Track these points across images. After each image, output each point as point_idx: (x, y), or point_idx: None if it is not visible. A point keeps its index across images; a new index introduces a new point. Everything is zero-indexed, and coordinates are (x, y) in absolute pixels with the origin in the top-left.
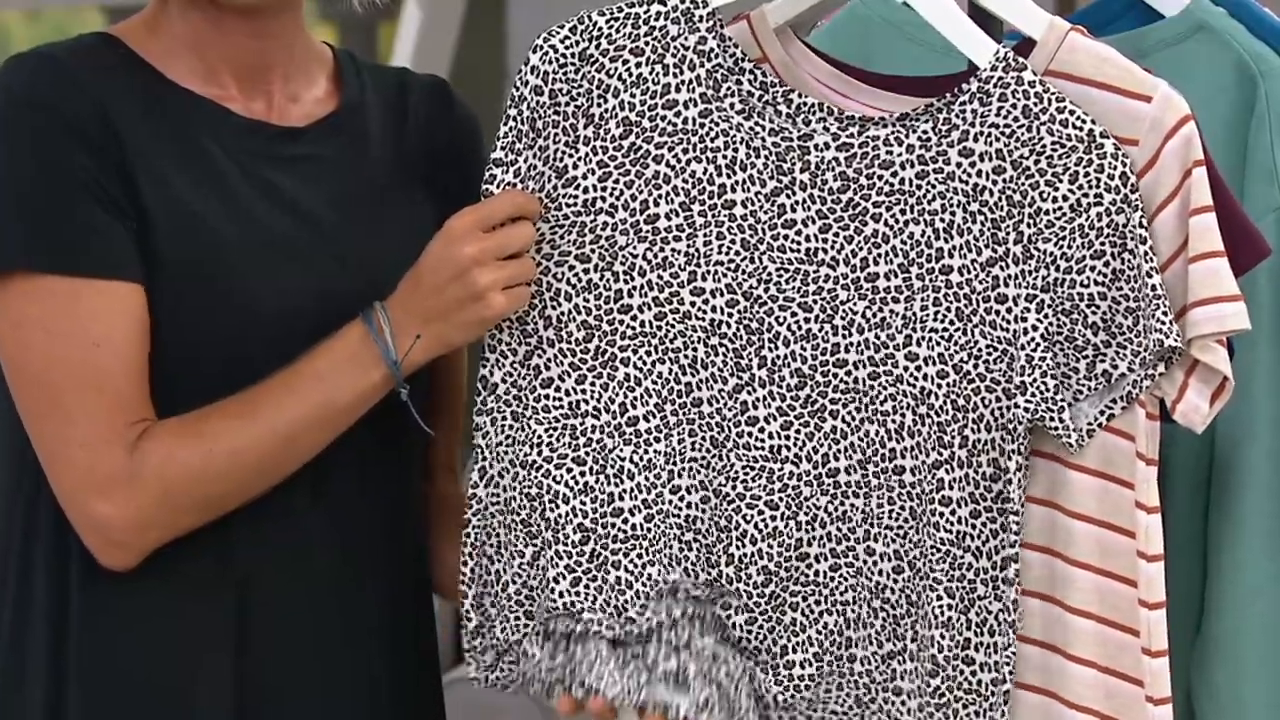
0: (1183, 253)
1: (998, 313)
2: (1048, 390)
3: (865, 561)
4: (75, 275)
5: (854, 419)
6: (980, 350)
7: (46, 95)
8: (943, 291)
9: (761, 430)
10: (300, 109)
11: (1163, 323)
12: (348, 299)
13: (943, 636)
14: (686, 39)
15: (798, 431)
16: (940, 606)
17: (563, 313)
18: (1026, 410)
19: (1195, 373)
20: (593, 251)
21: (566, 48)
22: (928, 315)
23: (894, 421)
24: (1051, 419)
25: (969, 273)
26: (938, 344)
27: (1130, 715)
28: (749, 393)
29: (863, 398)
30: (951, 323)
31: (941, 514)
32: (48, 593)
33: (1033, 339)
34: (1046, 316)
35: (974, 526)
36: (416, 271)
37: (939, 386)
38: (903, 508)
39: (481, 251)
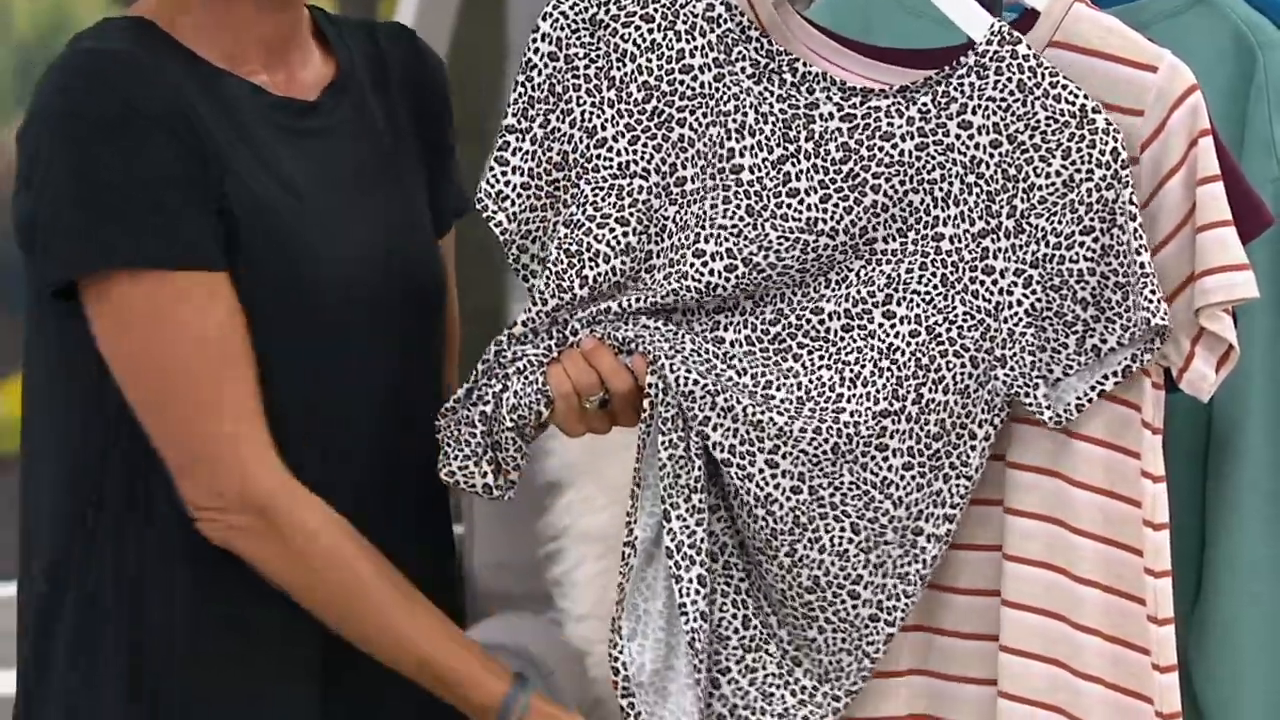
0: (1189, 222)
1: (982, 283)
2: (1024, 365)
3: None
4: (177, 269)
5: (813, 365)
6: (957, 316)
7: (133, 94)
8: (931, 256)
9: (728, 354)
10: (309, 77)
11: (1150, 300)
12: (388, 267)
13: (833, 563)
14: (695, 5)
15: (762, 365)
16: (841, 538)
17: (600, 273)
18: (1004, 383)
19: (1201, 341)
20: (630, 215)
21: (576, 14)
22: (912, 278)
23: (852, 371)
24: (1027, 395)
25: (959, 241)
26: (916, 305)
27: (1137, 683)
28: (725, 329)
29: (829, 347)
30: (935, 288)
31: (873, 458)
32: (116, 594)
33: (1016, 314)
34: (1034, 292)
35: (902, 477)
36: None
37: (907, 345)
38: (836, 445)
39: None
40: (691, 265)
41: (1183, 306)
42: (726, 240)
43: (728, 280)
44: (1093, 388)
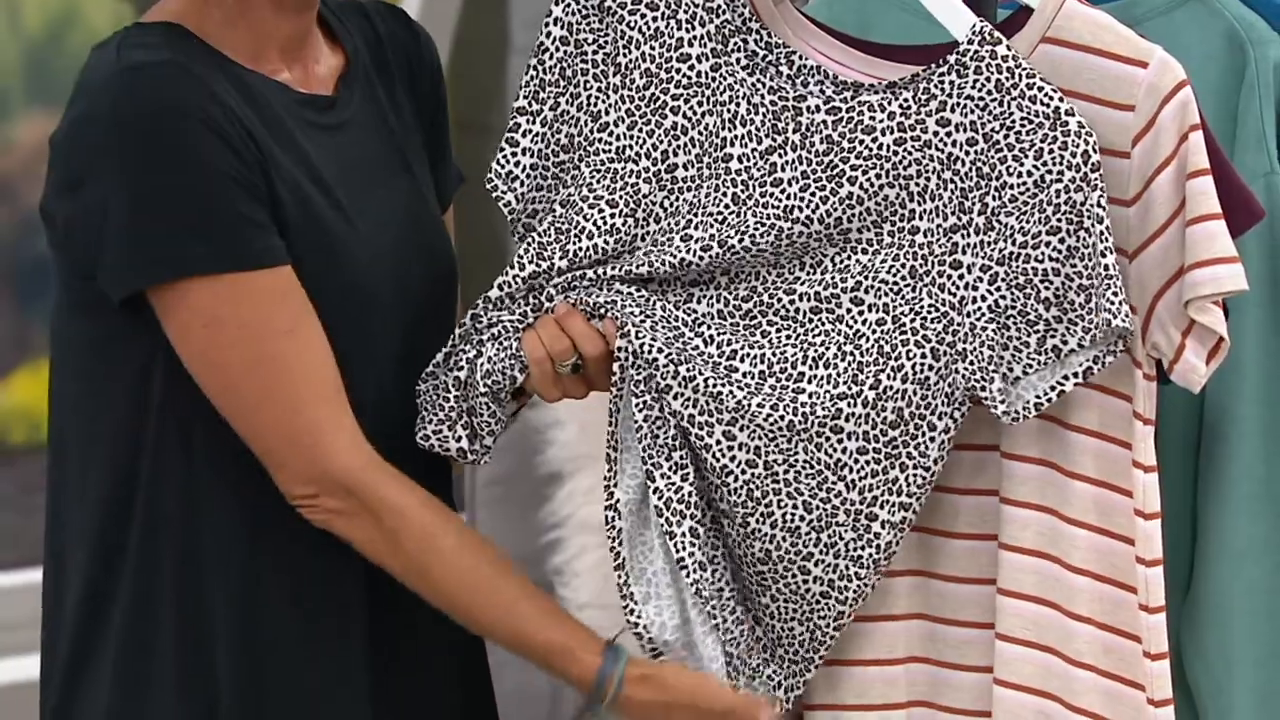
0: (1180, 215)
1: (949, 277)
2: (983, 360)
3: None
4: (247, 270)
5: (779, 342)
6: (923, 308)
7: (181, 100)
8: (905, 249)
9: (698, 322)
10: (322, 70)
11: (1112, 303)
12: (408, 254)
13: (784, 539)
14: None
15: (729, 336)
16: (793, 515)
17: (582, 249)
18: (964, 376)
19: (1192, 333)
20: (620, 198)
21: (586, 0)
22: (884, 267)
23: (816, 352)
24: (983, 389)
25: (932, 235)
26: (884, 294)
27: (1129, 670)
28: (698, 301)
29: (797, 327)
30: (904, 279)
31: (828, 439)
32: (175, 575)
33: (980, 309)
34: (998, 289)
35: (856, 460)
36: (668, 709)
37: (873, 331)
38: (792, 424)
39: None
40: (677, 247)
41: (1173, 299)
42: (712, 226)
43: (700, 259)
44: (1053, 388)
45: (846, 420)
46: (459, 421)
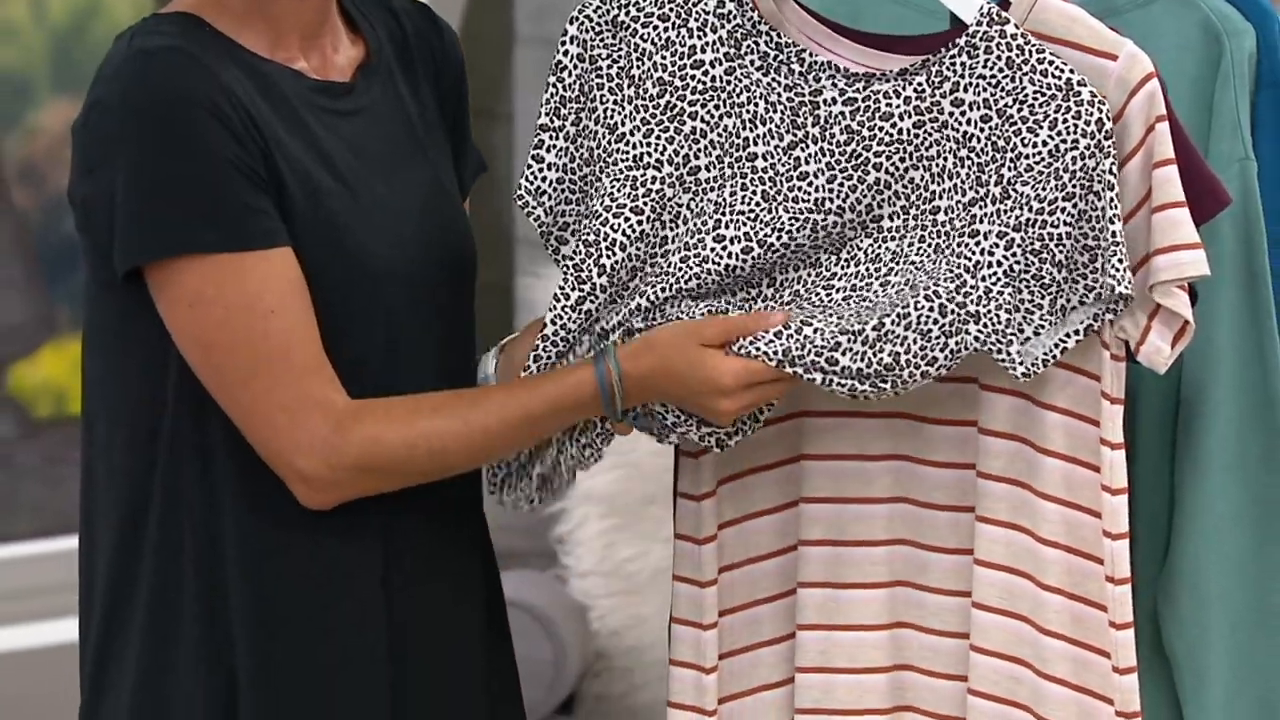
0: (1146, 203)
1: (966, 244)
2: (999, 323)
3: None
4: (241, 250)
5: (810, 323)
6: (940, 273)
7: (188, 88)
8: (929, 229)
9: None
10: (341, 60)
11: (1118, 269)
12: (424, 237)
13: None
14: (706, 3)
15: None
16: None
17: (616, 261)
18: (977, 340)
19: (1158, 316)
20: (645, 204)
21: (599, 16)
22: (911, 249)
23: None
24: (999, 351)
25: (953, 213)
26: (909, 273)
27: (1095, 639)
28: (748, 307)
29: (830, 314)
30: (929, 257)
31: (824, 369)
32: (195, 536)
33: (995, 274)
34: (1014, 254)
35: (855, 390)
36: (668, 367)
37: (885, 289)
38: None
39: (740, 409)
40: (712, 249)
41: (1139, 283)
42: (745, 224)
43: (744, 261)
44: (1057, 344)
45: (844, 354)
46: (532, 485)
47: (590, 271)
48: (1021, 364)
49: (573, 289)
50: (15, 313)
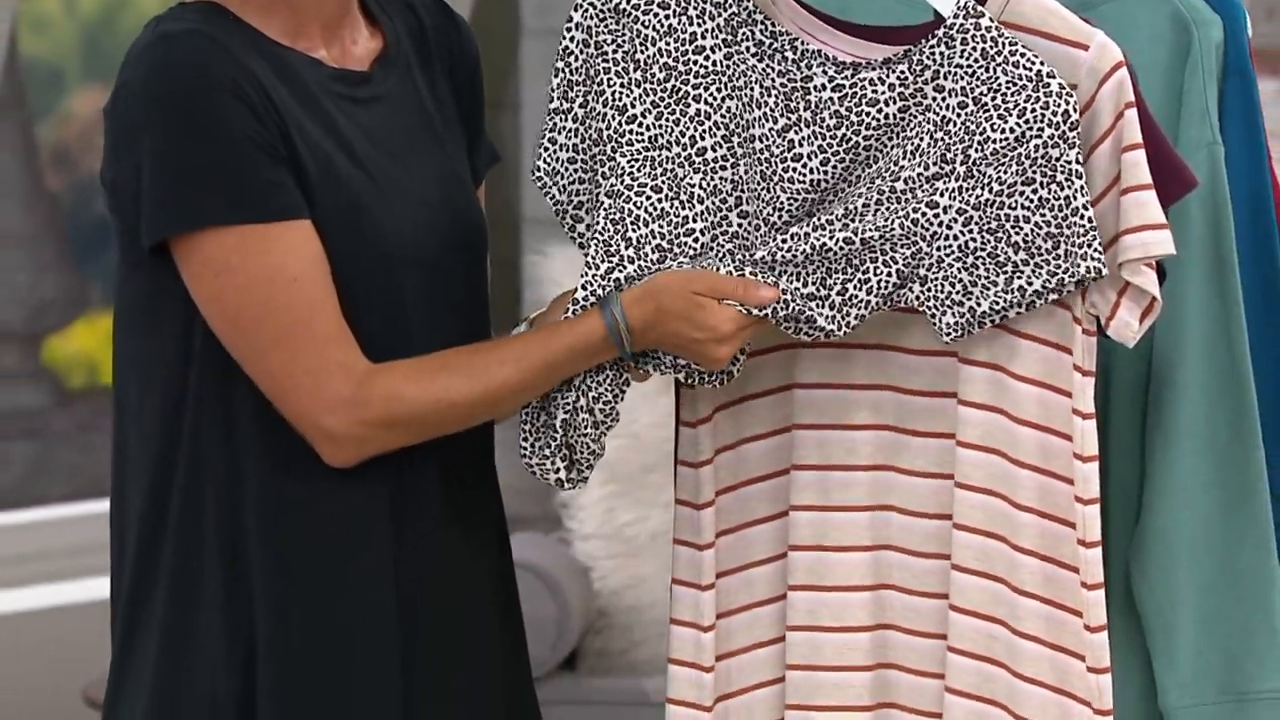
0: (1115, 185)
1: (923, 214)
2: (940, 293)
3: None
4: (263, 222)
5: (772, 274)
6: (894, 235)
7: (207, 68)
8: (887, 195)
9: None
10: (360, 51)
11: (1097, 251)
12: (438, 220)
13: None
14: None
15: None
16: None
17: (641, 236)
18: (918, 299)
19: (1127, 293)
20: (662, 183)
21: (603, 4)
22: (868, 211)
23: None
24: (934, 317)
25: (914, 184)
26: (867, 231)
27: (1067, 599)
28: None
29: (799, 271)
30: (885, 219)
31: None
32: (217, 497)
33: (950, 247)
34: (971, 231)
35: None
36: (667, 310)
37: (840, 248)
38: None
39: (731, 354)
40: (739, 226)
41: (1109, 261)
42: (754, 202)
43: (754, 238)
44: (990, 311)
45: (819, 317)
46: (558, 454)
47: (619, 245)
48: (953, 331)
49: (602, 260)
50: (50, 289)
